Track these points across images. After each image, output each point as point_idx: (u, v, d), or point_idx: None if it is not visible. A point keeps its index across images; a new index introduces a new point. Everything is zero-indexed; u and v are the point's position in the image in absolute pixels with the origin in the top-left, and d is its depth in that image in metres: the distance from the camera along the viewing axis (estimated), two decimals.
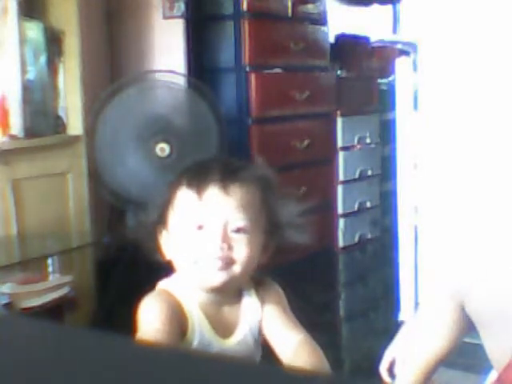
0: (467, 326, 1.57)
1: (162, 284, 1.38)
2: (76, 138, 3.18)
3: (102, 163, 3.10)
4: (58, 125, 3.20)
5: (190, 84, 3.24)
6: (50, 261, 2.99)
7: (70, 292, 2.78)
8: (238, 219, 1.30)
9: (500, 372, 1.47)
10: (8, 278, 2.75)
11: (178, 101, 3.17)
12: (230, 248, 1.29)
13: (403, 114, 2.65)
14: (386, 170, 4.07)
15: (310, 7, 3.75)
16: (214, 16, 3.49)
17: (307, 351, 1.35)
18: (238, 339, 1.37)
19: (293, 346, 1.36)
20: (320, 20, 3.84)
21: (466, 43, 2.39)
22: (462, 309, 1.56)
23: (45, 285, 2.74)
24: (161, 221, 1.35)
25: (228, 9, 3.45)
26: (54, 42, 3.16)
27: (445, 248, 2.42)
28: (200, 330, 1.33)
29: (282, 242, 1.39)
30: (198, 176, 1.31)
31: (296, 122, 3.72)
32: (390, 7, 5.14)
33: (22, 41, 3.00)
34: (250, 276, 1.38)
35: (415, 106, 2.60)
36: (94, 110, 3.08)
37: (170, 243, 1.35)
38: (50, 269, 2.95)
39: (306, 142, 3.72)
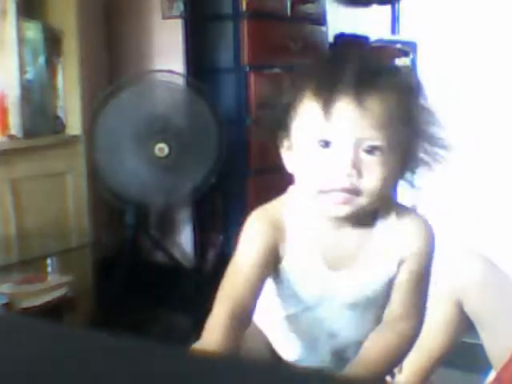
0: (466, 325, 1.58)
1: (273, 202, 1.20)
2: (75, 138, 3.18)
3: (101, 163, 3.09)
4: (57, 125, 3.19)
5: (189, 84, 3.24)
6: (48, 261, 2.99)
7: (68, 292, 2.77)
8: (374, 138, 1.07)
9: (498, 371, 1.47)
10: (7, 278, 2.74)
11: (177, 101, 3.16)
12: (359, 175, 1.08)
13: None
14: None
15: (309, 7, 3.75)
16: (213, 16, 3.48)
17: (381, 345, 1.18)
18: (351, 274, 1.17)
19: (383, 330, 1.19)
20: (319, 20, 3.83)
21: (464, 43, 2.39)
22: (461, 308, 1.56)
23: (44, 285, 2.74)
24: (281, 126, 1.14)
25: (227, 9, 3.44)
26: (52, 42, 3.16)
27: (444, 247, 2.41)
28: (302, 259, 1.16)
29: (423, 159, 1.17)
30: (327, 82, 1.08)
31: None
32: (389, 7, 5.14)
33: (21, 41, 3.00)
34: (389, 199, 1.19)
35: None
36: (93, 109, 3.08)
37: (291, 156, 1.15)
38: (49, 269, 2.95)
39: None
